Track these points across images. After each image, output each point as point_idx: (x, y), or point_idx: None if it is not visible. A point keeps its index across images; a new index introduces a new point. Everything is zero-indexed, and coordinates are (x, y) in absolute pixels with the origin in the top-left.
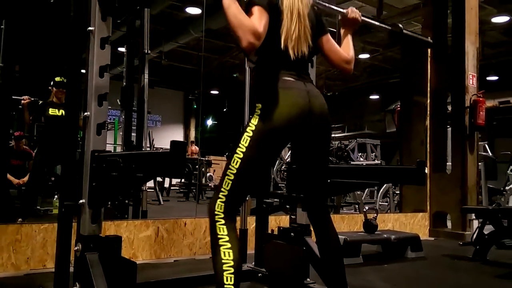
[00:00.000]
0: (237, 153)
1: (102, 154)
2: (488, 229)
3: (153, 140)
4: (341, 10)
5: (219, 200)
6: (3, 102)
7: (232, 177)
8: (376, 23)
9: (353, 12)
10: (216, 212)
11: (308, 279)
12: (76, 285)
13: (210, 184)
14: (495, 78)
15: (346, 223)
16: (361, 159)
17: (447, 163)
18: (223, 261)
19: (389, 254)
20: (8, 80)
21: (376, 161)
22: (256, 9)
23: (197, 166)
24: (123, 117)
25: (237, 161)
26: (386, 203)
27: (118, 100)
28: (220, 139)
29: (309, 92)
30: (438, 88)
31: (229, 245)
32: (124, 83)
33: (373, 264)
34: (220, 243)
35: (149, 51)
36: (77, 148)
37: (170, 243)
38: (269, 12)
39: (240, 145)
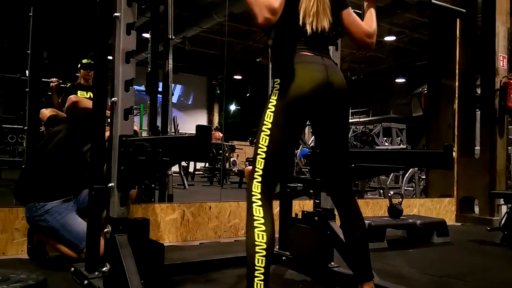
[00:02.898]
0: (263, 131)
1: (130, 138)
2: None
3: (177, 125)
4: None
5: (255, 180)
6: (34, 88)
7: (263, 155)
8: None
9: None
10: (253, 193)
11: (332, 263)
12: (106, 265)
13: (233, 169)
14: None
15: (371, 208)
16: (386, 144)
17: (475, 148)
18: (256, 243)
19: (415, 239)
20: (36, 66)
21: (402, 146)
22: None
23: (220, 151)
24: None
25: (265, 139)
26: (412, 188)
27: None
28: (243, 124)
29: (327, 67)
30: (467, 70)
31: (263, 227)
32: (149, 69)
33: (398, 248)
34: (255, 224)
35: (173, 37)
36: (104, 133)
37: (196, 226)
38: None
39: (265, 122)
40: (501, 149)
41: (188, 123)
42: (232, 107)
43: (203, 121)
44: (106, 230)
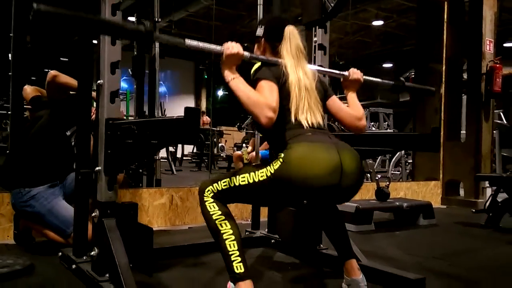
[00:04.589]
0: (250, 174)
1: (117, 121)
2: (501, 197)
3: (164, 111)
4: (343, 73)
5: (211, 187)
6: (17, 73)
7: (232, 184)
8: (379, 80)
9: (354, 73)
10: (205, 194)
11: (321, 245)
12: (95, 249)
13: (221, 154)
14: None
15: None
16: (373, 129)
17: (461, 131)
18: (222, 231)
19: (401, 222)
20: (19, 50)
21: (389, 131)
22: (265, 83)
23: (209, 137)
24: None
25: (245, 180)
26: (398, 172)
27: (129, 69)
28: (231, 110)
29: (337, 145)
30: (454, 55)
31: (223, 217)
32: (135, 53)
33: (385, 231)
34: (214, 217)
35: (159, 20)
36: (90, 116)
37: (184, 210)
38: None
39: (256, 171)
40: (486, 133)
41: (175, 109)
42: (220, 93)
43: (191, 106)
44: (93, 214)
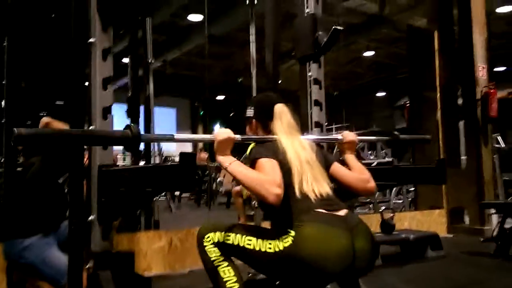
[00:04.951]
0: (257, 240)
1: (110, 169)
2: (509, 222)
3: (161, 149)
4: (338, 137)
5: (211, 236)
6: (10, 119)
7: (235, 243)
8: (373, 137)
9: (348, 135)
10: (204, 240)
11: None
12: None
13: (220, 190)
14: (503, 68)
15: None
16: (371, 157)
17: (461, 158)
18: (224, 279)
19: (409, 254)
20: (14, 96)
21: (387, 159)
22: (264, 161)
23: (206, 172)
24: None
25: (251, 245)
26: (400, 201)
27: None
28: None
29: (349, 224)
30: (447, 82)
31: (225, 263)
32: (130, 94)
33: (393, 265)
34: (216, 264)
35: (153, 61)
36: (83, 163)
37: (184, 253)
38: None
39: (264, 240)
40: (486, 158)
41: (173, 145)
42: (217, 127)
43: (188, 143)
44: (88, 266)
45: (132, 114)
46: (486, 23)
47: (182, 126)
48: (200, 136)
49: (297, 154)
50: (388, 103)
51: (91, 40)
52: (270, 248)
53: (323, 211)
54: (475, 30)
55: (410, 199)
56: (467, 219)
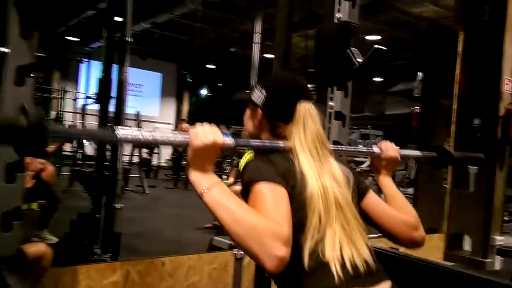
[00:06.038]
0: None
1: None
2: None
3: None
4: (374, 150)
5: None
6: None
7: None
8: (419, 153)
9: (389, 149)
10: None
11: None
12: None
13: None
14: None
15: None
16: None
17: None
18: None
19: None
20: None
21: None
22: (266, 189)
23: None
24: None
25: None
26: None
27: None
28: (213, 112)
29: None
30: (466, 92)
31: None
32: (102, 74)
33: None
34: None
35: (131, 39)
36: None
37: None
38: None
39: None
40: (500, 183)
41: (153, 112)
42: (204, 92)
43: (171, 109)
44: None
45: (102, 98)
46: None
47: (167, 92)
48: (169, 135)
49: (324, 191)
50: (381, 89)
51: (2, 49)
52: None
53: None
54: (507, 37)
55: None
56: (466, 246)
